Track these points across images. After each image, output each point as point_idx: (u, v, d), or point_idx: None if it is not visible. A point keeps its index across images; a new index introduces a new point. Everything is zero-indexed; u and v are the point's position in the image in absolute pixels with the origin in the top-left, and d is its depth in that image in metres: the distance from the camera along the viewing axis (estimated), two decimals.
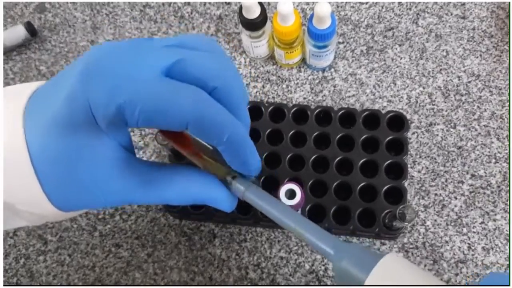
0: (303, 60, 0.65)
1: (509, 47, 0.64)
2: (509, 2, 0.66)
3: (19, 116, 0.31)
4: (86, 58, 0.31)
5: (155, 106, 0.29)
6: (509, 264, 0.56)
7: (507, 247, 0.56)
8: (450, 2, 0.67)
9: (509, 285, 0.55)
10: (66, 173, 0.32)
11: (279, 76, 0.65)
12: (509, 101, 0.62)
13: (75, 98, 0.30)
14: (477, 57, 0.64)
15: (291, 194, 0.47)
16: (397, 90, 0.63)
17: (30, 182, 0.31)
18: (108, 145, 0.32)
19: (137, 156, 0.63)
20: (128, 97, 0.29)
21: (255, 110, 0.60)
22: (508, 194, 0.58)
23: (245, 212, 0.56)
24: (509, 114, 0.61)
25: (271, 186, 0.55)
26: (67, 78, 0.31)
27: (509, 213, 0.58)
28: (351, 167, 0.57)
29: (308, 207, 0.55)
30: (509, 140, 0.60)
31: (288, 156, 0.57)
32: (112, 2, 0.71)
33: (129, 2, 0.71)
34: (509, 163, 0.59)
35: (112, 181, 0.32)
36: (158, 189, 0.34)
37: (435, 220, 0.58)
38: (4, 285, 0.59)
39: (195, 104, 0.29)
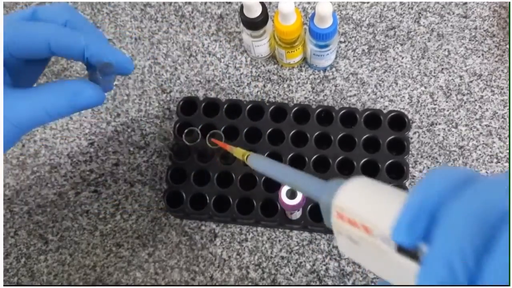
0: (304, 59, 0.65)
1: (509, 47, 0.64)
2: (509, 2, 0.65)
3: None
4: None
5: (20, 35, 0.38)
6: (509, 264, 0.56)
7: None
8: (452, 2, 0.67)
9: (509, 285, 0.55)
10: None
11: (280, 76, 0.65)
12: (509, 101, 0.62)
13: None
14: (479, 57, 0.64)
15: (292, 194, 0.47)
16: (399, 90, 0.63)
17: None
18: None
19: (138, 155, 0.63)
20: None
21: (256, 109, 0.60)
22: None
23: (246, 212, 0.56)
24: (509, 114, 0.61)
25: (272, 185, 0.55)
26: None
27: (509, 212, 0.57)
28: (352, 166, 0.57)
29: (309, 207, 0.55)
30: (509, 140, 0.60)
31: (289, 156, 0.57)
32: (112, 2, 0.71)
33: (129, 2, 0.71)
34: (509, 163, 0.59)
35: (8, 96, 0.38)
36: (39, 92, 0.39)
37: None
38: (4, 285, 0.59)
39: (52, 29, 0.39)
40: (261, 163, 0.39)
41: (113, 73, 0.42)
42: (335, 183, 0.30)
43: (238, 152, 0.44)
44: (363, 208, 0.27)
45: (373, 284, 0.56)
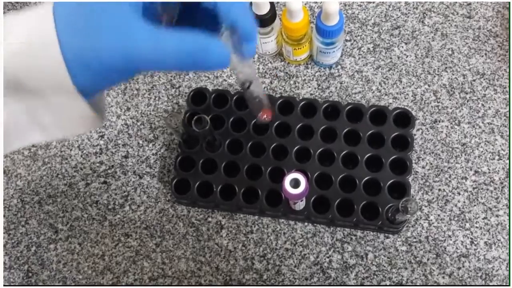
0: (311, 57, 0.66)
1: (509, 47, 0.65)
2: (509, 2, 0.67)
3: (48, 4, 0.33)
4: None
5: None
6: (509, 264, 0.57)
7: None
8: (456, 2, 0.68)
9: (509, 285, 0.56)
10: (85, 22, 0.33)
11: (286, 73, 0.67)
12: (509, 100, 0.63)
13: None
14: (482, 56, 0.65)
15: (295, 183, 0.48)
16: (403, 88, 0.65)
17: (56, 61, 0.33)
18: None
19: (147, 148, 0.64)
20: None
21: None
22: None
23: (251, 202, 0.57)
24: (509, 113, 0.62)
25: (277, 176, 0.57)
26: None
27: (509, 209, 0.58)
28: (356, 161, 0.58)
29: (312, 199, 0.56)
30: (509, 139, 0.61)
31: (295, 149, 0.59)
32: None
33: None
34: (509, 161, 0.60)
35: (132, 25, 0.34)
36: (165, 36, 0.34)
37: (439, 215, 0.59)
38: (16, 270, 0.61)
39: None
40: None
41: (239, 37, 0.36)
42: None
43: None
44: None
45: (374, 276, 0.57)
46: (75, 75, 0.34)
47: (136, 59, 0.34)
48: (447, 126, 0.62)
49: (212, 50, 0.34)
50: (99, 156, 0.65)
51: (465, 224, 0.58)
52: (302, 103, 0.60)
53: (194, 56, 0.34)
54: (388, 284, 0.57)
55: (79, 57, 0.34)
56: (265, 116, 0.48)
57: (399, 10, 0.68)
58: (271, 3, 0.59)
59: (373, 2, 0.69)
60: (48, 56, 0.33)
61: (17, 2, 0.75)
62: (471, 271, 0.57)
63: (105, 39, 0.33)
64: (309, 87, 0.65)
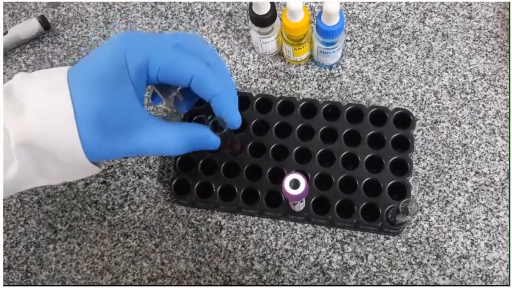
0: (311, 57, 0.66)
1: (510, 48, 0.65)
2: (509, 2, 0.67)
3: (63, 79, 0.41)
4: (121, 34, 0.44)
5: (169, 62, 0.43)
6: (509, 265, 0.57)
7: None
8: (456, 2, 0.68)
9: (509, 285, 0.56)
10: (102, 108, 0.41)
11: (287, 73, 0.66)
12: (509, 101, 0.63)
13: (117, 53, 0.42)
14: (483, 57, 0.65)
15: (295, 184, 0.48)
16: (403, 88, 0.64)
17: (70, 132, 0.40)
18: (134, 91, 0.42)
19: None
20: (152, 53, 0.42)
21: (265, 102, 0.61)
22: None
23: (251, 203, 0.57)
24: (509, 113, 0.62)
25: (277, 177, 0.57)
26: (106, 49, 0.43)
27: (510, 210, 0.58)
28: (356, 162, 0.58)
29: (312, 200, 0.56)
30: (509, 139, 0.61)
31: (295, 149, 0.58)
32: None
33: None
34: (509, 162, 0.60)
35: (144, 122, 0.44)
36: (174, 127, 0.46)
37: (439, 216, 0.59)
38: (15, 270, 0.61)
39: (197, 64, 0.44)
40: None
41: (224, 127, 0.48)
42: None
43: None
44: None
45: (375, 277, 0.57)
46: (87, 152, 0.41)
47: (145, 150, 0.44)
48: (448, 127, 0.62)
49: (211, 138, 0.48)
50: None
51: (465, 225, 0.58)
52: (302, 103, 0.60)
53: (197, 143, 0.47)
54: (388, 285, 0.57)
55: (96, 148, 0.41)
56: (227, 149, 0.57)
57: (400, 11, 0.68)
58: (271, 3, 0.59)
59: (374, 2, 0.69)
60: (63, 129, 0.40)
61: (17, 2, 0.74)
62: (471, 272, 0.56)
63: (120, 138, 0.42)
64: (309, 87, 0.65)
